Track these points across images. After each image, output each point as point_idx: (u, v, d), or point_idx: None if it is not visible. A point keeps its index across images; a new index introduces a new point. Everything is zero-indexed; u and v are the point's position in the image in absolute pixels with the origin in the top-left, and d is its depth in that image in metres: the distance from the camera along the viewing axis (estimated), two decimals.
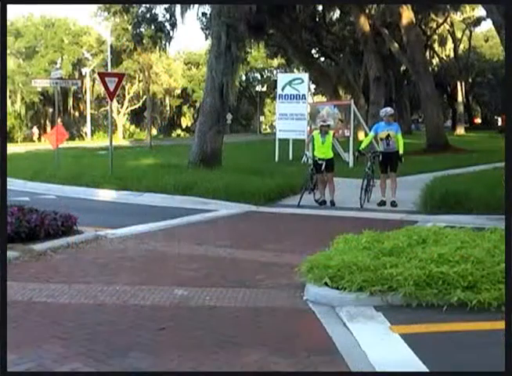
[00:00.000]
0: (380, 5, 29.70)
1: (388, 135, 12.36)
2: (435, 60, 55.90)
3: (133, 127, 76.49)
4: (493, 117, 66.49)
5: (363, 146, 12.99)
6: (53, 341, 4.79)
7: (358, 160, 12.78)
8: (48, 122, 64.16)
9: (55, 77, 21.16)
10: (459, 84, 54.99)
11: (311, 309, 5.65)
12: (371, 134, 12.98)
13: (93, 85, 63.70)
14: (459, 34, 55.38)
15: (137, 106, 68.89)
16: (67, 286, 6.38)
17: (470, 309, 5.38)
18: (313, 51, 41.78)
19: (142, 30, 38.72)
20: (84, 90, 62.73)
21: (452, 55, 55.00)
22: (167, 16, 35.45)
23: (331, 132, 13.09)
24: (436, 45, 54.20)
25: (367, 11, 30.18)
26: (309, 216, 11.63)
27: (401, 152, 12.38)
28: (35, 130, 60.23)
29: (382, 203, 12.38)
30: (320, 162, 12.55)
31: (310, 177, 13.00)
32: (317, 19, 37.56)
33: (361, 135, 34.95)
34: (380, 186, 12.61)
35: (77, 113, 67.57)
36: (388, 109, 13.26)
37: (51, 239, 8.38)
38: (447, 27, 50.35)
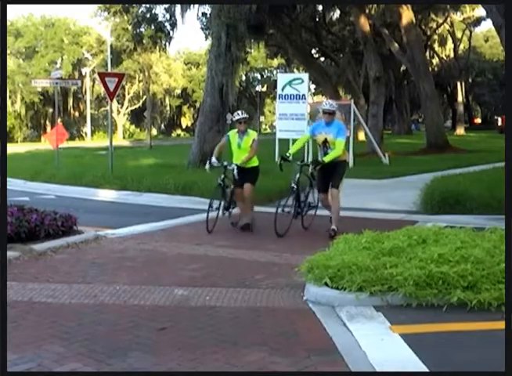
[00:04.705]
0: (380, 5, 29.67)
1: (326, 141, 8.92)
2: (435, 60, 55.94)
3: (133, 127, 76.64)
4: (493, 117, 66.42)
5: (292, 150, 9.30)
6: (53, 341, 4.79)
7: (281, 170, 9.13)
8: (48, 122, 64.21)
9: (55, 77, 21.20)
10: (459, 84, 55.05)
11: (311, 309, 5.65)
12: (306, 134, 9.79)
13: (93, 85, 63.81)
14: (459, 34, 55.46)
15: (137, 106, 69.02)
16: (67, 286, 6.38)
17: (470, 309, 5.37)
18: (313, 51, 41.70)
19: (142, 30, 38.69)
20: (84, 90, 62.81)
21: (452, 55, 55.07)
22: (167, 16, 35.45)
23: (253, 132, 9.65)
24: (436, 45, 54.27)
25: (367, 11, 30.12)
26: (309, 216, 11.60)
27: (326, 160, 8.77)
28: None
29: (332, 232, 8.83)
30: (231, 168, 9.31)
31: (222, 191, 9.54)
32: (317, 19, 37.50)
33: (361, 136, 35.00)
34: (325, 207, 9.42)
35: (77, 113, 67.68)
36: (325, 102, 9.40)
37: (51, 239, 8.39)
38: (447, 27, 50.39)
